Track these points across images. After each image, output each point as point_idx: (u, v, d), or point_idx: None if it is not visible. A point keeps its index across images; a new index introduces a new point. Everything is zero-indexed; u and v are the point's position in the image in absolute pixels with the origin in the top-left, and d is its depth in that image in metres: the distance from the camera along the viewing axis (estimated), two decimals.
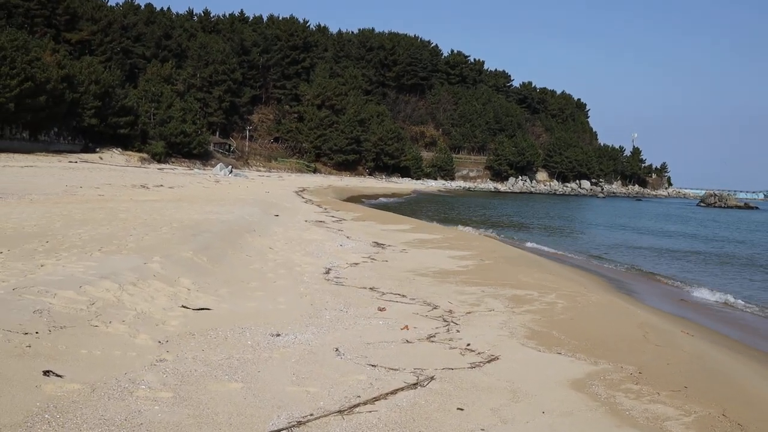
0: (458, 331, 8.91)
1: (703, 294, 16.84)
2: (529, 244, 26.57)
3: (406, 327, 8.99)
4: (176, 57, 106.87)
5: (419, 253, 18.00)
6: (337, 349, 7.62)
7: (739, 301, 16.07)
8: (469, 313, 10.18)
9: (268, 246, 15.94)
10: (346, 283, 12.28)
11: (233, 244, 14.53)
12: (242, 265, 12.79)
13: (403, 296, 11.33)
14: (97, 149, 76.95)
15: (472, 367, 7.22)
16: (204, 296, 9.62)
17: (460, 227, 32.11)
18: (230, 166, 78.39)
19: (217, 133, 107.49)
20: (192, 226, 15.74)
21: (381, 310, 10.11)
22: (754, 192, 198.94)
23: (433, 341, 8.32)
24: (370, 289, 11.85)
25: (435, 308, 10.44)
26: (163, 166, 77.48)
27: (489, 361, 7.48)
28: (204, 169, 78.80)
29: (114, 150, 78.93)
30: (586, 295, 12.36)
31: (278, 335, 8.07)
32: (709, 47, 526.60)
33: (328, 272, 13.51)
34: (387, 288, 12.04)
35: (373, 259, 15.97)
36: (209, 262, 11.84)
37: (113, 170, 53.84)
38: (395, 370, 6.96)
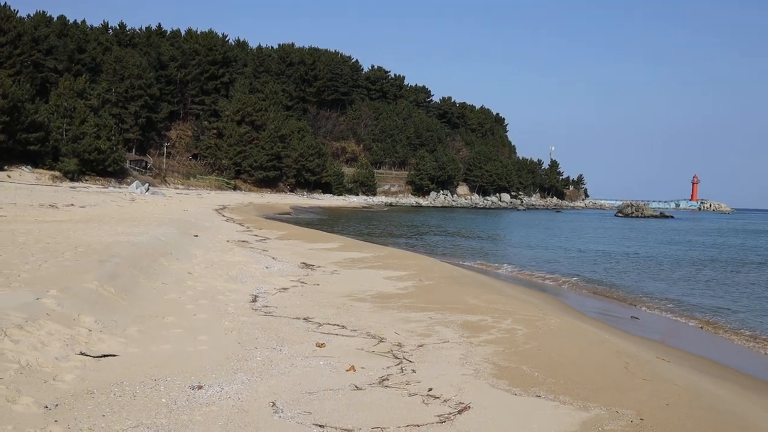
0: (414, 370, 7.60)
1: (651, 308, 16.42)
2: (465, 262, 25.45)
3: (353, 368, 7.65)
4: (90, 71, 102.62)
5: (352, 274, 16.67)
6: (273, 404, 6.22)
7: (692, 313, 15.55)
8: (421, 346, 8.89)
9: (186, 271, 14.33)
10: (277, 313, 10.84)
11: (146, 271, 12.89)
12: (157, 296, 11.18)
13: (343, 327, 9.98)
14: (5, 167, 72.92)
15: (441, 422, 5.92)
16: (109, 338, 8.02)
17: (390, 244, 30.88)
18: (147, 184, 75.34)
19: (134, 149, 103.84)
20: (100, 250, 14.02)
21: (320, 346, 8.73)
22: (666, 201, 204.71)
23: (387, 386, 6.99)
24: (305, 319, 10.45)
25: (381, 341, 9.11)
26: (75, 184, 73.92)
27: (459, 412, 6.19)
28: (119, 187, 75.54)
29: (23, 168, 75.02)
30: (544, 318, 11.19)
31: (200, 387, 6.58)
32: (624, 61, 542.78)
33: (255, 300, 12.05)
34: (323, 317, 10.66)
35: (303, 282, 14.57)
36: (117, 294, 10.20)
37: (20, 189, 50.54)
38: (349, 431, 5.61)
